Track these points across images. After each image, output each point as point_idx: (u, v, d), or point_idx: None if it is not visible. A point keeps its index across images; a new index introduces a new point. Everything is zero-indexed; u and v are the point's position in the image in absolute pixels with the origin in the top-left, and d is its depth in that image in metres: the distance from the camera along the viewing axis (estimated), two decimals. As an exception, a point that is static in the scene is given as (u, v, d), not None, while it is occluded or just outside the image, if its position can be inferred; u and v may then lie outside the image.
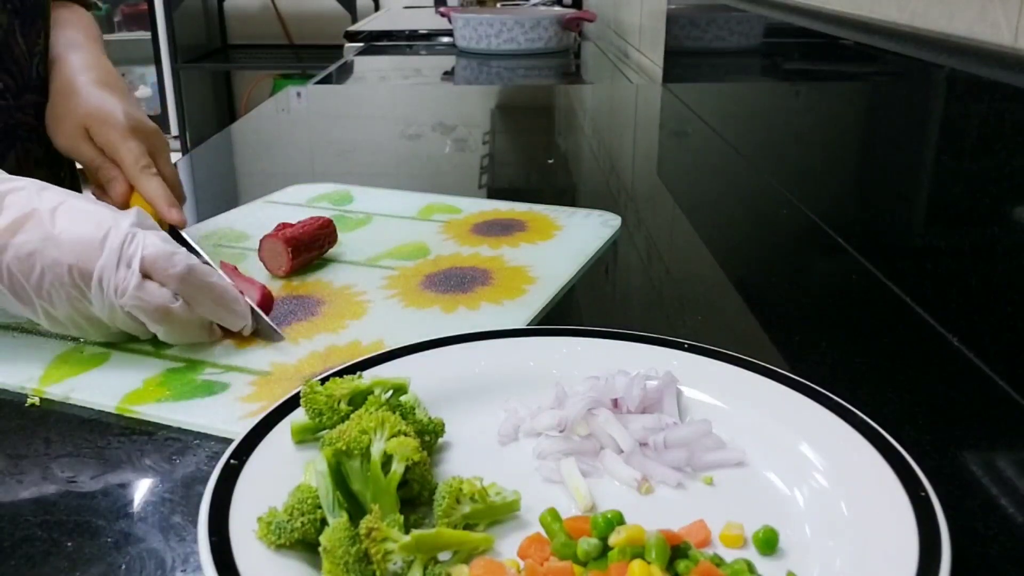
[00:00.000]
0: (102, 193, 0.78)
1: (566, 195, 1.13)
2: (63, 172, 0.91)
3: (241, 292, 0.65)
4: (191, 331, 0.62)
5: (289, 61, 4.51)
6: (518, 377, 0.57)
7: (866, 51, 0.87)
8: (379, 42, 2.66)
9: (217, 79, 4.72)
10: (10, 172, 0.77)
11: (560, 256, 0.81)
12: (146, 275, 0.59)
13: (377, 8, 4.37)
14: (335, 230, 0.81)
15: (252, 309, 0.64)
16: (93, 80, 0.80)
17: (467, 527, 0.43)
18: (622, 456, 0.49)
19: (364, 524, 0.39)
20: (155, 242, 0.60)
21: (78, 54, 0.84)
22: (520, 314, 0.69)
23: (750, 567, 0.40)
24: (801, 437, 0.49)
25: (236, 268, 0.73)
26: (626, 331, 0.60)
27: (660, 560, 0.39)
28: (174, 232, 0.75)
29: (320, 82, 1.97)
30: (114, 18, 4.24)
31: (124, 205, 0.75)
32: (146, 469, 0.51)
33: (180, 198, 0.79)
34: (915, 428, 0.54)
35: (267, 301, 0.69)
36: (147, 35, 4.15)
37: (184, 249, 0.62)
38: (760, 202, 1.07)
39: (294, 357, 0.62)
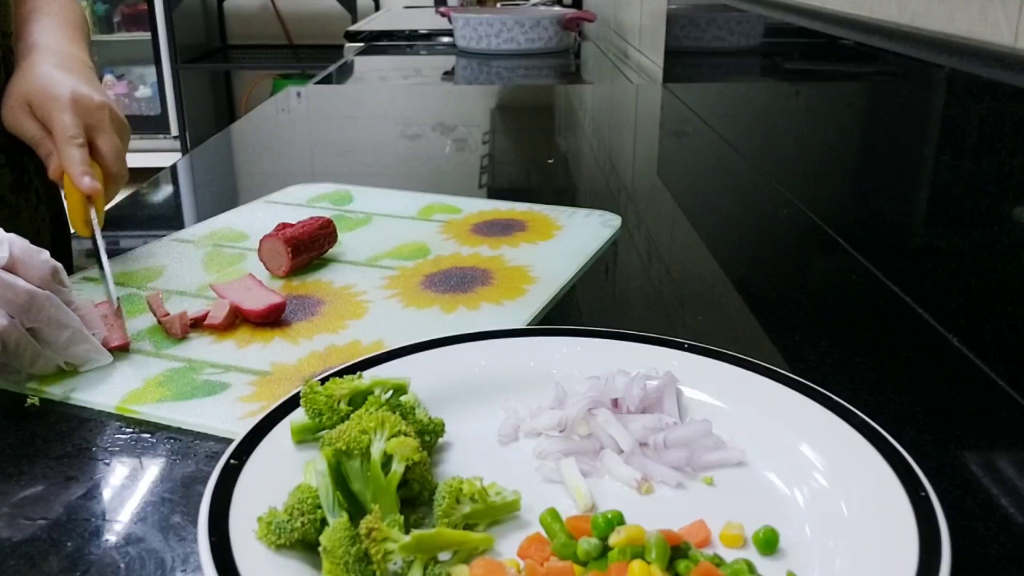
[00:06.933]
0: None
1: (566, 195, 1.13)
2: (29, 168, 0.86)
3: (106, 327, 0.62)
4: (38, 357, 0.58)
5: (289, 61, 4.51)
6: (518, 377, 0.57)
7: (866, 51, 0.87)
8: (379, 42, 2.66)
9: (217, 79, 4.72)
10: None
11: (560, 256, 0.81)
12: None
13: (377, 8, 4.37)
14: (335, 230, 0.82)
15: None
16: (52, 64, 0.78)
17: (467, 527, 0.43)
18: (622, 456, 0.49)
19: (364, 524, 0.39)
20: None
21: (47, 38, 0.82)
22: (520, 314, 0.69)
23: (750, 567, 0.40)
24: (801, 437, 0.49)
25: (252, 275, 0.72)
26: (626, 331, 0.60)
27: (660, 560, 0.39)
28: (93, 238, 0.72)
29: (320, 82, 1.97)
30: (114, 18, 4.24)
31: (58, 181, 0.73)
32: (146, 469, 0.51)
33: (115, 176, 0.75)
34: (915, 428, 0.54)
35: (276, 311, 0.68)
36: (147, 35, 4.14)
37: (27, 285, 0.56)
38: (760, 202, 1.06)
39: (294, 357, 0.62)
